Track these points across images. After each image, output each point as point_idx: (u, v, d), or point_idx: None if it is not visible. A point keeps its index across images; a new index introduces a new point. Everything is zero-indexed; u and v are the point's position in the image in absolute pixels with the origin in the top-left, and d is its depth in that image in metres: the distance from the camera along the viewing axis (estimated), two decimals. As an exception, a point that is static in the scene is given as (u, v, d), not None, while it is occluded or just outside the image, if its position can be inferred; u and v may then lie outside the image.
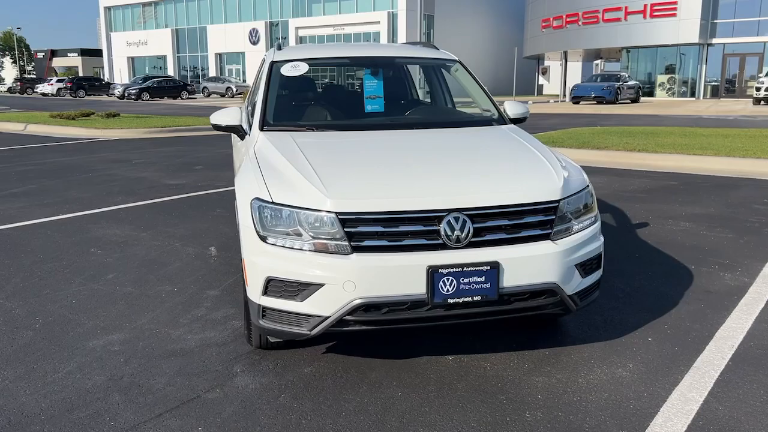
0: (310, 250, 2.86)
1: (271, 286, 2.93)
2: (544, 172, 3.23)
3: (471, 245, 2.89)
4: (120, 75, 62.66)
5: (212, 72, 56.40)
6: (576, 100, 32.86)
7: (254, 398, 2.96)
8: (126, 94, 42.80)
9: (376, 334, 3.57)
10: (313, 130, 3.90)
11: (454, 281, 2.83)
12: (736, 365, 3.26)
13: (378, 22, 48.12)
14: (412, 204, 2.87)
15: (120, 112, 22.05)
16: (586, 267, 3.18)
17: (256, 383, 3.11)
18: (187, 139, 15.84)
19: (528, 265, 2.95)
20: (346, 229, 2.83)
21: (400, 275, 2.81)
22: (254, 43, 54.39)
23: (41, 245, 5.66)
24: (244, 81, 51.57)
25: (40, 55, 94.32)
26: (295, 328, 2.93)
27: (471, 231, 2.88)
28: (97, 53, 75.00)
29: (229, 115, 4.02)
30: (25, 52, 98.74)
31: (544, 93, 52.71)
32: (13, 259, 5.24)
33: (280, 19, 53.27)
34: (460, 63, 4.67)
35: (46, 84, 53.14)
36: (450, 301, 2.85)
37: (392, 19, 47.55)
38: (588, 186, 3.35)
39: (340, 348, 3.48)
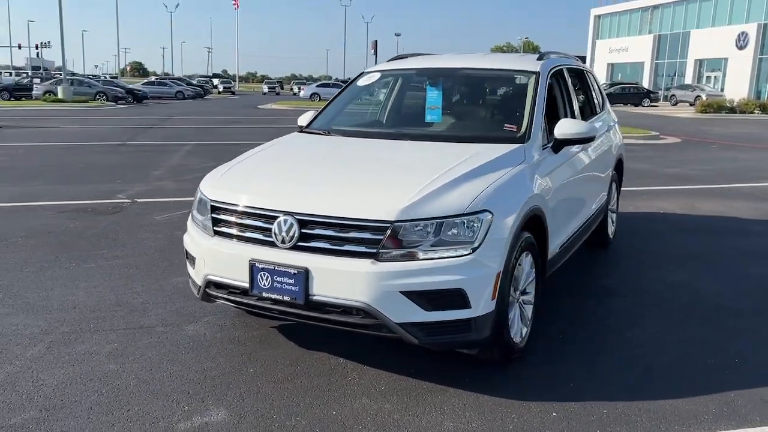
0: (200, 229, 3.45)
1: (187, 254, 3.62)
2: (401, 191, 3.00)
3: (296, 248, 3.01)
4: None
5: (688, 79, 52.93)
6: None
7: (173, 339, 3.71)
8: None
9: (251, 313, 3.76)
10: (326, 135, 4.26)
11: (270, 278, 3.02)
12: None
13: None
14: (254, 201, 3.16)
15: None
16: (431, 299, 2.86)
17: (194, 331, 3.83)
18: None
19: (339, 278, 2.90)
20: (212, 215, 3.32)
21: (230, 262, 3.16)
22: (741, 48, 48.88)
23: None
24: (722, 89, 47.09)
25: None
26: (194, 289, 3.55)
27: (296, 234, 3.00)
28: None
29: (305, 117, 4.68)
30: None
31: None
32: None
33: (777, 19, 46.55)
34: (537, 76, 4.14)
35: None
36: (264, 294, 3.06)
37: None
38: (470, 215, 2.91)
39: (286, 326, 3.88)
